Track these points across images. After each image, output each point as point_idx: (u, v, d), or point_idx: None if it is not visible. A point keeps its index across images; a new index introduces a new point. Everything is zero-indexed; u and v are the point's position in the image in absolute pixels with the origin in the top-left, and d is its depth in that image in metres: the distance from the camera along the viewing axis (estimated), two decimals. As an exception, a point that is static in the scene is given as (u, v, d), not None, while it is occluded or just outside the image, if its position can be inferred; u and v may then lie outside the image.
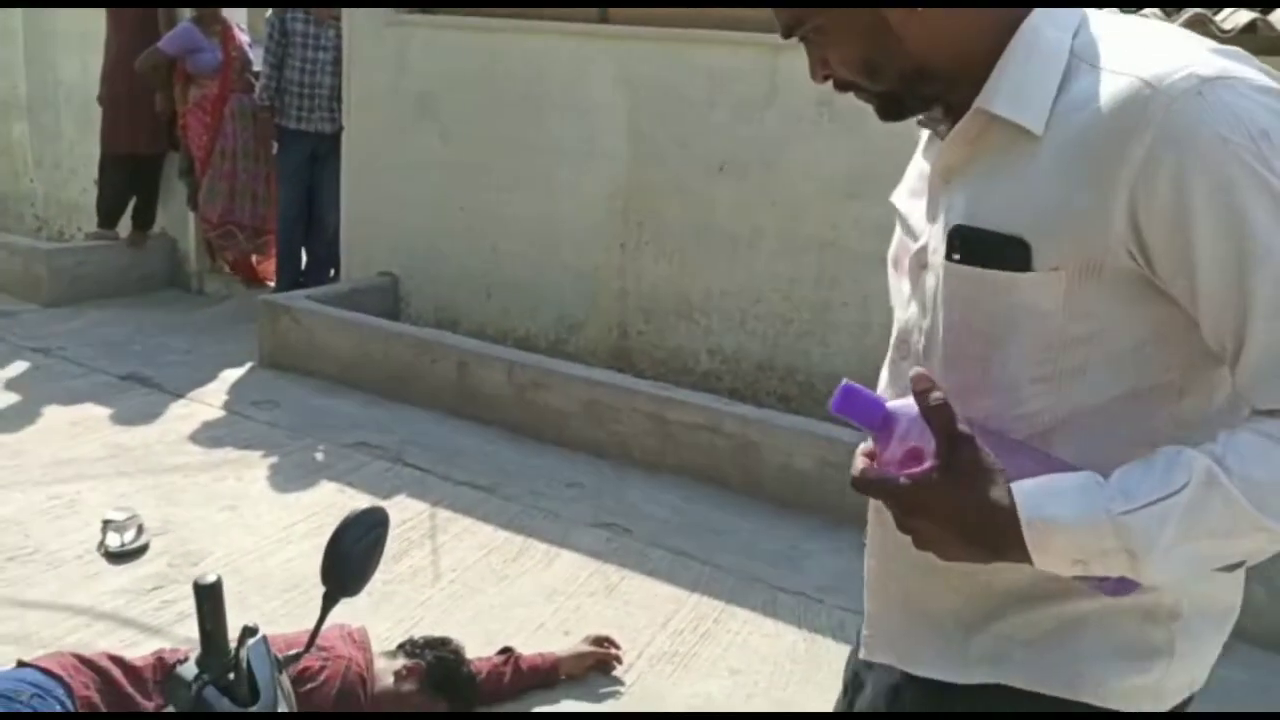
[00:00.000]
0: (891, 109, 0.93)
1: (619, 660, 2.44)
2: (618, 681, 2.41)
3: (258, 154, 5.37)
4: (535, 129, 4.39)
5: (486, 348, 4.15)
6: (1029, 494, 0.77)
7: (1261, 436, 0.75)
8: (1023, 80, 0.83)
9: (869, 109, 0.94)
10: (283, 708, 1.38)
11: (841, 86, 0.93)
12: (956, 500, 0.79)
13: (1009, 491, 0.77)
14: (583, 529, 3.17)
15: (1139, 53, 0.80)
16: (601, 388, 3.78)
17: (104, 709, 1.76)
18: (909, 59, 0.87)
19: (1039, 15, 0.85)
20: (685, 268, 4.16)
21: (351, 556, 1.51)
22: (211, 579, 1.14)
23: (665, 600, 2.78)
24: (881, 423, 0.86)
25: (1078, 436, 0.85)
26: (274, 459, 3.53)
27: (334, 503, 3.15)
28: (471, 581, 2.82)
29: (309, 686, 1.87)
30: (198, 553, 2.85)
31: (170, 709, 1.23)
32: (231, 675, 1.18)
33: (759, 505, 3.38)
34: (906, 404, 0.85)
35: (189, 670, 1.18)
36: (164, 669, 1.85)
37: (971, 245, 0.86)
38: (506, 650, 2.35)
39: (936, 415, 0.80)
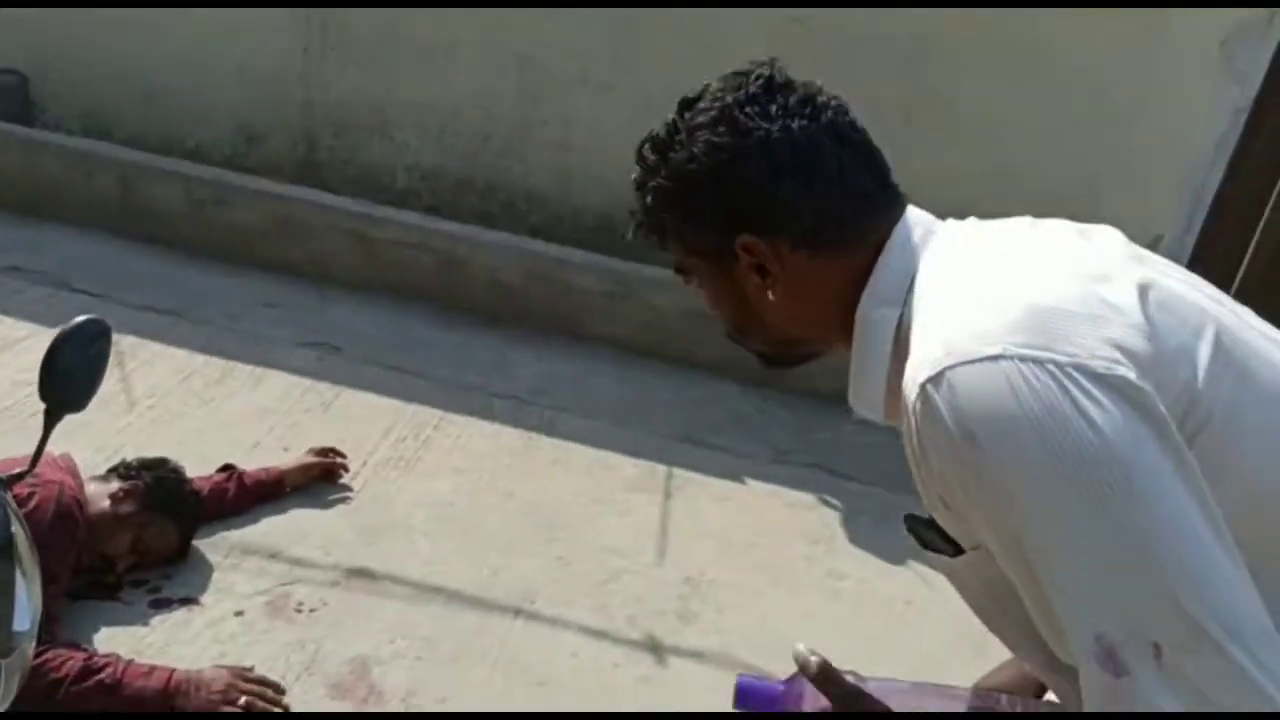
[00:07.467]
0: (767, 365, 0.95)
1: (345, 469, 2.50)
2: (346, 489, 2.47)
3: None
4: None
5: (155, 160, 3.75)
6: None
7: None
8: (863, 378, 0.84)
9: None
10: (15, 527, 1.33)
11: (728, 336, 0.94)
12: None
13: None
14: (288, 348, 3.09)
15: (930, 330, 0.76)
16: (295, 204, 3.60)
17: None
18: (775, 330, 0.89)
19: (865, 299, 0.83)
20: (377, 78, 3.96)
21: (73, 371, 1.43)
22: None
23: (384, 412, 2.84)
24: (791, 700, 0.89)
25: None
26: (-104, 287, 3.03)
27: (-12, 332, 2.80)
28: (172, 406, 2.69)
29: (22, 511, 1.75)
30: None
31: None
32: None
33: (466, 318, 3.48)
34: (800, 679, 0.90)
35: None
36: None
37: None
38: (228, 467, 2.32)
39: (820, 681, 0.83)
